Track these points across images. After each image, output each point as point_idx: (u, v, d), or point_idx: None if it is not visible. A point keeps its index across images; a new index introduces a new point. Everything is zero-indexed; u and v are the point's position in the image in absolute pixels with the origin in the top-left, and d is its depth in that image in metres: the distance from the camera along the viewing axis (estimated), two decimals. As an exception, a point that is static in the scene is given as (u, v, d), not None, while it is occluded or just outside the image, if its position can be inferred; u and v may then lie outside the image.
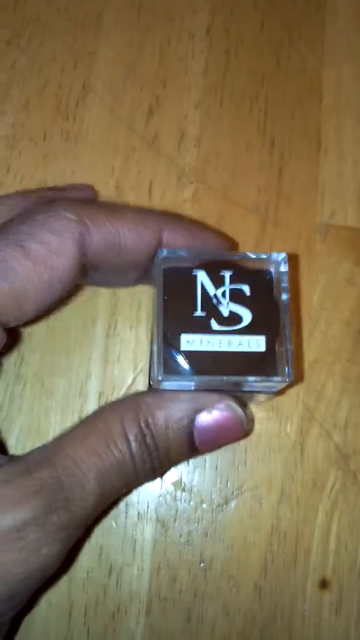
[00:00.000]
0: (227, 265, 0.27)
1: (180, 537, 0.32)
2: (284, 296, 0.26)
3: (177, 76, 0.38)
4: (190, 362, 0.25)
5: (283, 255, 0.27)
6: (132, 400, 0.27)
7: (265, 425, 0.33)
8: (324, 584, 0.32)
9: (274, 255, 0.27)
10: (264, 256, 0.27)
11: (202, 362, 0.25)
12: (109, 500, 0.27)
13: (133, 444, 0.26)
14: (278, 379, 0.26)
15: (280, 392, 0.29)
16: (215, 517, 0.32)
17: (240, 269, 0.27)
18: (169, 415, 0.26)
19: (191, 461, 0.33)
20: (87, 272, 0.31)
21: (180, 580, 0.32)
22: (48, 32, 0.39)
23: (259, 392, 0.28)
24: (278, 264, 0.27)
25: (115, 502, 0.32)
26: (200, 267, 0.27)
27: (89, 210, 0.28)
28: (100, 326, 0.34)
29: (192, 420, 0.26)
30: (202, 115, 0.37)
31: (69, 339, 0.34)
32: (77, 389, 0.33)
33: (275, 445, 0.33)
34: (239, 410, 0.27)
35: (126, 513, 0.32)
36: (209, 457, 0.33)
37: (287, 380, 0.26)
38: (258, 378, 0.26)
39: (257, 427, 0.33)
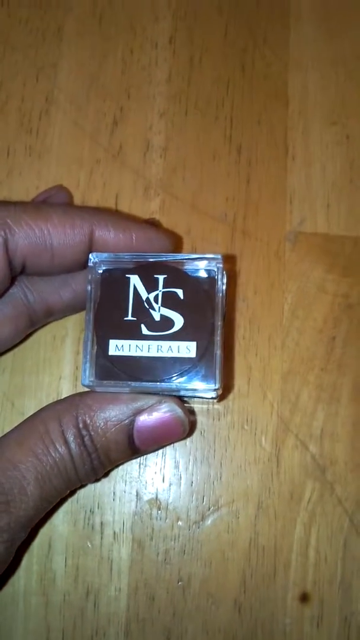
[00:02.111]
0: (162, 269, 0.26)
1: (157, 555, 0.32)
2: (218, 299, 0.26)
3: (141, 86, 0.38)
4: (118, 368, 0.25)
5: (218, 256, 0.26)
6: (71, 401, 0.27)
7: (239, 438, 0.33)
8: (304, 598, 0.31)
9: (210, 257, 0.27)
10: (199, 258, 0.27)
11: (131, 367, 0.25)
12: (53, 501, 0.27)
13: (72, 446, 0.26)
14: (209, 384, 0.25)
15: (222, 396, 0.29)
16: (192, 534, 0.32)
17: (176, 272, 0.26)
18: (108, 416, 0.26)
19: (166, 478, 0.33)
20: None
21: (159, 599, 0.31)
22: (9, 45, 0.38)
23: (196, 397, 0.28)
24: (214, 265, 0.27)
25: (89, 517, 0.32)
26: (134, 270, 0.26)
27: (12, 212, 0.28)
28: (70, 343, 0.34)
29: (131, 422, 0.26)
30: (167, 125, 0.37)
31: (38, 358, 0.34)
32: (48, 409, 0.33)
33: (250, 458, 0.33)
34: (180, 411, 0.27)
35: (102, 533, 0.32)
36: (184, 474, 0.33)
37: (215, 387, 0.25)
38: (188, 384, 0.25)
39: (231, 440, 0.33)
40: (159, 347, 0.25)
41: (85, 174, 0.36)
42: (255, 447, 0.33)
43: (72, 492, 0.32)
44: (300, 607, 0.31)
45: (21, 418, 0.32)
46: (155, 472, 0.33)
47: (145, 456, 0.33)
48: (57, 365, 0.33)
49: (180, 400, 0.27)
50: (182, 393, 0.27)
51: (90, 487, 0.32)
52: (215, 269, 0.27)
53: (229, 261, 0.35)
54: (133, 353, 0.25)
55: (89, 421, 0.26)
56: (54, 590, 0.31)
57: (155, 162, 0.36)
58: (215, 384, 0.25)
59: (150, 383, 0.25)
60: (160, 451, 0.33)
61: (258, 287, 0.34)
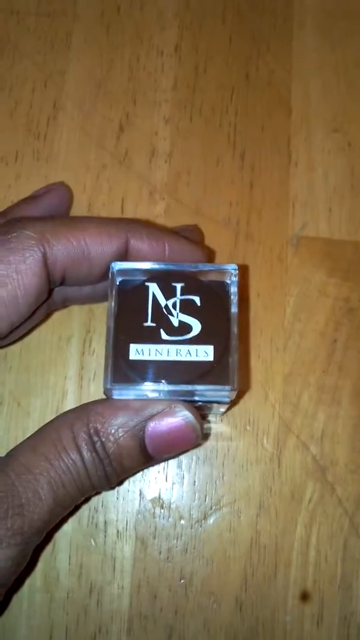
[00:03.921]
0: (179, 277, 0.27)
1: (160, 554, 0.32)
2: (233, 307, 0.27)
3: (147, 93, 0.38)
4: (138, 371, 0.26)
5: (233, 266, 0.27)
6: (83, 409, 0.27)
7: (242, 438, 0.33)
8: (304, 597, 0.32)
9: (225, 267, 0.28)
10: (215, 268, 0.28)
11: (151, 371, 0.26)
12: (67, 507, 0.27)
13: (84, 452, 0.26)
14: (226, 387, 0.26)
15: (234, 402, 0.29)
16: (195, 533, 0.32)
17: (193, 280, 0.27)
18: (119, 423, 0.26)
19: (169, 477, 0.33)
20: (59, 291, 0.31)
21: (161, 597, 0.32)
22: (18, 52, 0.39)
23: (212, 401, 0.28)
24: (229, 275, 0.28)
25: (89, 517, 0.32)
26: (152, 278, 0.27)
27: (49, 226, 0.28)
28: (76, 344, 0.34)
29: (143, 428, 0.27)
30: (172, 131, 0.38)
31: (44, 358, 0.34)
32: (53, 408, 0.33)
33: (252, 458, 0.33)
34: (191, 417, 0.27)
35: (105, 531, 0.32)
36: (186, 473, 0.33)
37: (234, 388, 0.26)
38: (206, 387, 0.26)
39: (233, 440, 0.33)
40: (178, 351, 0.26)
41: (92, 178, 0.37)
42: (257, 447, 0.33)
43: (87, 500, 0.32)
44: (301, 605, 0.32)
45: (27, 417, 0.33)
46: (159, 472, 0.33)
47: (148, 456, 0.33)
48: (63, 365, 0.34)
49: (196, 410, 0.27)
50: (197, 398, 0.27)
51: (94, 486, 0.33)
52: (230, 281, 0.28)
53: (240, 270, 0.35)
54: (153, 357, 0.26)
55: (100, 427, 0.27)
56: (57, 587, 0.32)
57: (160, 168, 0.37)
58: (231, 386, 0.26)
59: (170, 385, 0.26)
60: (163, 451, 0.33)
61: (260, 290, 0.35)
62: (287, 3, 0.40)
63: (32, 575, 0.32)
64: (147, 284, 0.27)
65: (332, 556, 0.32)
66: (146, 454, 0.27)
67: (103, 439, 0.27)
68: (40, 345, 0.34)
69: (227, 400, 0.27)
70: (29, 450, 0.27)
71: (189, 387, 0.26)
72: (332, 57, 0.39)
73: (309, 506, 0.33)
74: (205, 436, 0.33)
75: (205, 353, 0.26)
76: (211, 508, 0.33)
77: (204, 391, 0.26)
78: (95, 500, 0.33)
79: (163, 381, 0.26)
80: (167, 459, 0.31)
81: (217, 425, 0.33)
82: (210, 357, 0.26)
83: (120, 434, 0.26)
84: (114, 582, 0.32)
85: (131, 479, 0.33)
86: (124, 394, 0.27)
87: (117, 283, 0.27)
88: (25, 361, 0.34)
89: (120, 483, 0.32)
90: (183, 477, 0.33)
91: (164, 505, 0.33)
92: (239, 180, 0.37)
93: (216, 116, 0.38)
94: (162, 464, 0.33)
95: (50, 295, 0.31)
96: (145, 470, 0.33)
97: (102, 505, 0.33)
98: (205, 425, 0.33)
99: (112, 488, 0.32)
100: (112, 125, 0.38)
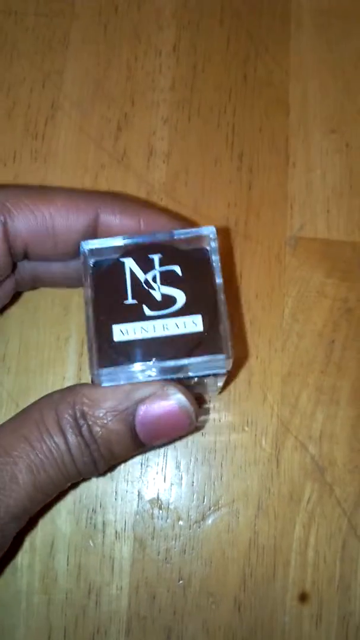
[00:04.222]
0: (155, 248, 0.26)
1: (158, 554, 0.32)
2: (217, 273, 0.25)
3: (145, 92, 0.38)
4: (125, 353, 0.24)
5: (211, 229, 0.26)
6: (70, 390, 0.26)
7: (240, 439, 0.33)
8: (303, 597, 0.32)
9: (202, 230, 0.26)
10: (191, 233, 0.26)
11: (139, 350, 0.24)
12: (50, 493, 0.26)
13: (68, 435, 0.25)
14: (220, 356, 0.25)
15: (230, 376, 0.28)
16: (193, 534, 0.32)
17: (171, 249, 0.26)
18: (108, 406, 0.25)
19: (168, 478, 0.33)
20: (28, 268, 0.30)
21: (159, 598, 0.32)
22: (16, 52, 0.39)
23: (208, 375, 0.26)
24: (208, 239, 0.26)
25: (92, 521, 0.32)
26: (127, 253, 0.26)
27: (12, 195, 0.27)
28: (74, 344, 0.34)
29: (133, 412, 0.25)
30: (170, 131, 0.38)
31: (42, 359, 0.34)
32: (51, 409, 0.33)
33: (250, 459, 0.33)
34: (184, 399, 0.25)
35: (103, 532, 0.32)
36: (185, 474, 0.33)
37: (229, 356, 0.25)
38: (199, 359, 0.25)
39: (232, 441, 0.33)
40: (165, 326, 0.25)
41: (90, 178, 0.37)
42: (256, 448, 0.33)
43: (74, 486, 0.32)
44: (299, 606, 0.32)
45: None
46: (157, 472, 0.33)
47: (146, 456, 0.33)
48: (61, 365, 0.34)
49: (188, 390, 0.26)
50: (192, 373, 0.26)
51: (93, 487, 0.33)
52: (210, 246, 0.26)
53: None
54: (139, 336, 0.25)
55: (87, 410, 0.25)
56: (56, 588, 0.32)
57: (158, 167, 0.37)
58: (226, 353, 0.25)
59: (161, 363, 0.24)
60: (161, 451, 0.33)
61: (259, 290, 0.35)
62: (285, 4, 0.40)
63: (30, 576, 0.32)
64: (122, 259, 0.26)
65: (330, 557, 0.32)
66: (137, 440, 0.26)
67: (90, 422, 0.25)
68: (39, 346, 0.34)
69: (223, 371, 0.26)
70: (9, 432, 0.25)
71: (182, 362, 0.24)
72: (330, 58, 0.39)
73: (308, 507, 0.33)
74: (201, 424, 0.33)
75: (193, 324, 0.25)
76: (209, 509, 0.33)
77: (197, 364, 0.25)
78: (93, 501, 0.33)
79: (153, 359, 0.24)
80: (160, 445, 0.29)
81: (215, 424, 0.33)
82: (200, 327, 0.25)
83: (108, 418, 0.25)
84: (112, 582, 0.32)
85: (129, 480, 0.33)
86: (114, 379, 0.25)
87: (91, 264, 0.26)
88: (23, 362, 0.34)
89: (110, 469, 0.32)
90: (181, 478, 0.33)
91: (163, 506, 0.33)
92: (237, 181, 0.37)
93: (214, 116, 0.38)
94: (161, 465, 0.33)
95: (14, 270, 0.29)
96: (143, 471, 0.33)
97: (100, 506, 0.33)
98: (202, 417, 0.33)
99: (101, 474, 0.30)
100: (110, 125, 0.38)
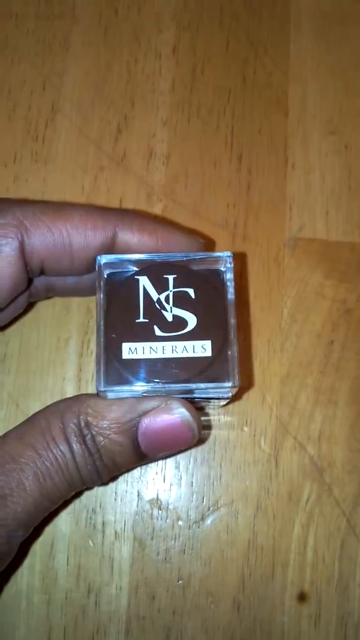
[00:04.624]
0: (171, 269, 0.26)
1: (158, 554, 0.32)
2: (230, 297, 0.26)
3: (145, 95, 0.39)
4: (132, 372, 0.25)
5: (228, 254, 0.26)
6: (76, 400, 0.26)
7: (239, 439, 0.33)
8: (302, 597, 0.32)
9: (219, 255, 0.26)
10: (207, 256, 0.26)
11: (145, 370, 0.25)
12: (55, 500, 0.26)
13: (73, 444, 0.25)
14: (227, 384, 0.25)
15: (236, 396, 0.28)
16: (192, 534, 0.33)
17: (186, 271, 0.26)
18: (112, 417, 0.25)
19: (167, 478, 0.33)
20: (42, 280, 0.30)
21: (159, 598, 0.32)
22: (17, 55, 0.39)
23: (212, 398, 0.27)
24: (223, 263, 0.26)
25: (91, 520, 0.32)
26: (142, 271, 0.26)
27: (30, 213, 0.27)
28: (74, 345, 0.34)
29: (136, 424, 0.25)
30: (170, 133, 0.38)
31: (43, 360, 0.34)
32: (51, 410, 0.33)
33: (249, 459, 0.33)
34: (187, 414, 0.25)
35: (103, 532, 0.33)
36: (184, 474, 0.33)
37: (235, 385, 0.25)
38: (205, 384, 0.25)
39: (231, 441, 0.33)
40: (174, 348, 0.25)
41: (90, 180, 0.37)
42: (255, 448, 0.33)
43: (77, 495, 0.32)
44: (298, 606, 0.32)
45: (25, 419, 0.33)
46: (156, 473, 0.33)
47: (146, 457, 0.33)
48: (61, 366, 0.34)
49: (192, 405, 0.26)
50: (196, 395, 0.26)
51: (92, 488, 0.33)
52: (224, 268, 0.26)
53: (237, 259, 0.35)
54: (147, 355, 0.25)
55: (91, 420, 0.25)
56: (56, 588, 0.32)
57: (158, 169, 0.37)
58: (232, 382, 0.25)
59: (167, 385, 0.25)
60: (161, 452, 0.33)
61: (258, 291, 0.35)
62: (284, 6, 0.40)
63: (30, 576, 0.32)
64: (137, 277, 0.26)
65: (329, 557, 0.32)
66: (139, 452, 0.26)
67: (93, 433, 0.25)
68: (39, 347, 0.34)
69: (228, 396, 0.26)
70: (16, 439, 0.26)
71: (187, 386, 0.25)
72: (329, 60, 0.39)
73: (306, 507, 0.33)
74: (204, 437, 0.33)
75: (202, 348, 0.25)
76: (209, 509, 0.33)
77: (203, 389, 0.25)
78: (93, 502, 0.33)
79: (159, 381, 0.25)
80: (162, 458, 0.29)
81: (215, 424, 0.34)
82: (209, 353, 0.25)
83: (112, 429, 0.25)
84: (112, 582, 0.32)
85: (129, 480, 0.33)
86: (119, 395, 0.26)
87: (105, 277, 0.26)
88: (24, 363, 0.34)
89: (114, 479, 0.32)
90: (181, 478, 0.33)
91: (162, 506, 0.33)
92: (236, 182, 0.37)
93: (214, 118, 0.38)
94: (160, 465, 0.33)
95: (30, 285, 0.30)
96: (143, 472, 0.33)
97: (100, 507, 0.33)
98: (205, 424, 0.33)
99: (105, 484, 0.30)
100: (110, 127, 0.38)
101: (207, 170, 0.37)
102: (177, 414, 0.25)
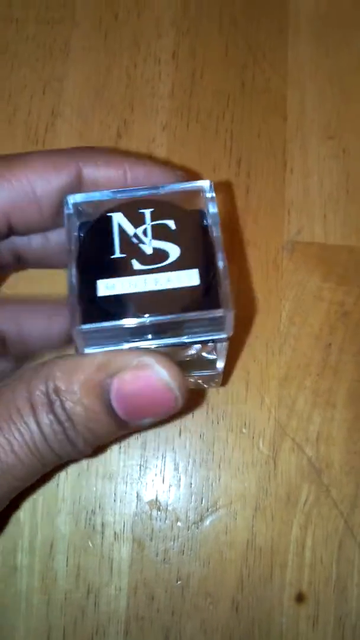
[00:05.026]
0: (147, 203, 0.24)
1: (157, 555, 0.33)
2: (215, 228, 0.23)
3: (144, 99, 0.39)
4: (112, 309, 0.22)
5: (207, 182, 0.24)
6: (44, 365, 0.23)
7: (238, 441, 0.34)
8: (300, 598, 0.32)
9: (197, 184, 0.24)
10: (184, 186, 0.24)
11: (127, 305, 0.22)
12: (23, 476, 0.24)
13: (39, 412, 0.23)
14: (220, 311, 0.22)
15: (231, 358, 0.27)
16: (191, 535, 0.33)
17: (164, 204, 0.24)
18: (82, 380, 0.22)
19: (166, 480, 0.33)
20: (8, 247, 0.28)
21: (158, 599, 0.32)
22: (17, 60, 0.39)
23: (207, 340, 0.24)
24: (204, 192, 0.24)
25: (91, 521, 0.33)
26: (115, 208, 0.24)
27: None
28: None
29: (107, 386, 0.22)
30: (169, 137, 0.38)
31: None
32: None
33: (248, 461, 0.33)
34: (163, 372, 0.22)
35: (102, 533, 0.33)
36: (183, 476, 0.33)
37: (229, 308, 0.22)
38: (196, 314, 0.22)
39: (229, 443, 0.34)
40: (156, 280, 0.22)
41: (90, 184, 0.37)
42: (253, 450, 0.34)
43: (58, 469, 0.32)
44: (296, 606, 0.32)
45: None
46: (156, 474, 0.33)
47: (145, 458, 0.34)
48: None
49: (174, 364, 0.23)
50: (187, 338, 0.23)
51: (92, 489, 0.33)
52: (207, 194, 0.24)
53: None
54: (126, 290, 0.22)
55: (60, 385, 0.22)
56: (55, 589, 0.32)
57: (157, 173, 0.37)
58: (226, 307, 0.22)
59: (154, 318, 0.22)
60: (160, 454, 0.34)
61: (256, 294, 0.35)
62: (283, 12, 0.40)
63: (29, 577, 0.32)
64: (109, 214, 0.23)
65: (327, 558, 0.32)
66: (116, 418, 0.23)
67: (63, 398, 0.22)
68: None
69: (224, 335, 0.23)
70: None
71: (177, 317, 0.22)
72: (327, 65, 0.39)
73: (305, 508, 0.33)
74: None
75: (189, 278, 0.22)
76: (207, 510, 0.33)
77: (194, 322, 0.22)
78: (92, 503, 0.33)
79: (144, 314, 0.22)
80: (149, 425, 0.25)
81: (212, 420, 0.34)
82: (196, 281, 0.22)
83: (82, 393, 0.22)
84: (111, 583, 0.32)
85: (128, 481, 0.33)
86: (99, 341, 0.22)
87: (76, 220, 0.24)
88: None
89: (101, 449, 0.31)
90: (180, 480, 0.33)
91: (161, 507, 0.33)
92: (235, 186, 0.37)
93: (213, 123, 0.39)
94: (159, 466, 0.33)
95: None
96: (142, 473, 0.33)
97: (99, 508, 0.33)
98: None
99: (89, 455, 0.27)
100: (110, 132, 0.38)
101: (206, 174, 0.38)
102: (150, 372, 0.22)
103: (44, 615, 0.32)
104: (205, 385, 0.33)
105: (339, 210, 0.37)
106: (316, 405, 0.34)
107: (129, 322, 0.22)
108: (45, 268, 0.31)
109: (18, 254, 0.29)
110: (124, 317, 0.22)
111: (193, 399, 0.34)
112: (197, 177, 0.37)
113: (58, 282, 0.34)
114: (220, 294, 0.22)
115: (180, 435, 0.34)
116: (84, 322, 0.21)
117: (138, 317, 0.22)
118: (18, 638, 0.32)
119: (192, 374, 0.29)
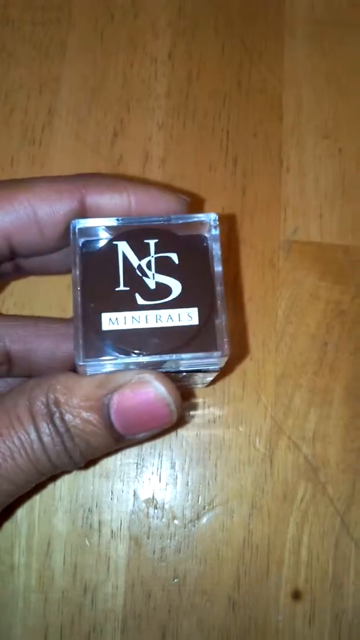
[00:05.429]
0: (151, 233, 0.24)
1: (154, 553, 0.33)
2: (216, 263, 0.24)
3: (141, 99, 0.39)
4: (114, 344, 0.23)
5: (214, 216, 0.24)
6: (46, 378, 0.24)
7: (234, 440, 0.34)
8: (296, 595, 0.32)
9: (202, 217, 0.24)
10: (191, 219, 0.25)
11: (128, 341, 0.23)
12: (21, 484, 0.25)
13: (39, 422, 0.23)
14: (215, 354, 0.23)
15: (223, 372, 0.27)
16: (188, 533, 0.33)
17: (168, 235, 0.24)
18: (83, 394, 0.23)
19: (163, 478, 0.33)
20: (13, 258, 0.29)
21: (155, 596, 0.32)
22: (14, 60, 0.40)
23: (201, 371, 0.25)
24: (208, 227, 0.24)
25: (88, 521, 0.33)
26: (120, 236, 0.24)
27: None
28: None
29: (108, 400, 0.23)
30: (165, 137, 0.38)
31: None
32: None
33: (245, 459, 0.34)
34: (162, 388, 0.23)
35: (99, 531, 0.33)
36: (180, 474, 0.33)
37: (224, 354, 0.23)
38: (192, 355, 0.23)
39: (226, 441, 0.34)
40: (158, 317, 0.23)
41: (86, 183, 0.37)
42: (250, 448, 0.34)
43: (53, 478, 0.32)
44: (293, 604, 0.32)
45: None
46: (152, 473, 0.34)
47: (142, 457, 0.34)
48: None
49: (171, 378, 0.24)
50: (183, 368, 0.24)
51: (89, 487, 0.33)
52: (209, 234, 0.25)
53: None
54: (130, 326, 0.23)
55: (60, 398, 0.23)
56: (52, 587, 0.32)
57: (154, 173, 0.38)
58: (221, 351, 0.23)
59: (152, 357, 0.23)
60: (157, 452, 0.34)
61: (253, 293, 0.36)
62: (279, 12, 0.41)
63: (27, 575, 0.32)
64: (115, 242, 0.24)
65: (323, 555, 0.33)
66: (114, 432, 0.24)
67: (62, 411, 0.23)
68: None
69: (217, 368, 0.25)
70: None
71: (174, 357, 0.23)
72: (323, 65, 0.40)
73: (301, 506, 0.33)
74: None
75: (189, 317, 0.23)
76: (204, 508, 0.33)
77: (190, 360, 0.23)
78: (89, 501, 0.33)
79: (143, 352, 0.23)
80: (143, 439, 0.26)
81: (209, 418, 0.34)
82: (195, 321, 0.23)
83: (82, 407, 0.23)
84: (108, 581, 0.32)
85: (125, 479, 0.33)
86: (99, 370, 0.24)
87: (80, 245, 0.24)
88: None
89: (92, 463, 0.32)
90: (176, 478, 0.33)
91: (158, 505, 0.33)
92: (231, 186, 0.38)
93: (209, 122, 0.39)
94: (156, 465, 0.34)
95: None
96: (139, 472, 0.33)
97: (96, 506, 0.33)
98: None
99: (82, 468, 0.28)
100: (107, 131, 0.38)
101: (202, 174, 0.38)
102: (149, 388, 0.23)
103: (41, 613, 0.32)
104: (192, 385, 0.33)
105: (335, 209, 0.37)
106: (312, 403, 0.34)
107: (129, 360, 0.23)
108: (44, 275, 0.32)
109: (17, 265, 0.30)
110: (124, 354, 0.23)
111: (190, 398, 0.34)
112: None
113: (56, 287, 0.34)
114: (216, 334, 0.23)
115: (177, 433, 0.34)
116: (87, 356, 0.23)
117: (138, 355, 0.23)
118: (15, 636, 0.32)
119: (183, 384, 0.30)
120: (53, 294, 0.35)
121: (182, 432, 0.34)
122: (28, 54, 0.40)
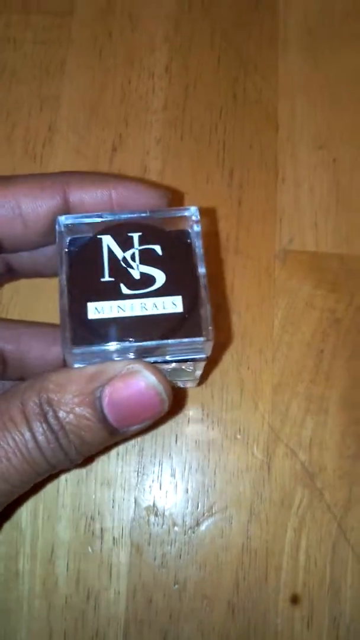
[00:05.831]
0: (135, 227, 0.25)
1: (155, 560, 0.33)
2: (199, 253, 0.25)
3: (139, 114, 0.40)
4: (100, 332, 0.23)
5: (194, 209, 0.25)
6: (37, 377, 0.25)
7: (232, 447, 0.34)
8: (295, 599, 0.33)
9: (184, 211, 0.25)
10: (172, 213, 0.25)
11: (114, 329, 0.23)
12: (18, 485, 0.25)
13: (33, 422, 0.24)
14: (200, 339, 0.24)
15: (210, 366, 0.28)
16: (188, 539, 0.34)
17: (151, 228, 0.25)
18: (74, 390, 0.24)
19: (163, 486, 0.34)
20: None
21: (156, 602, 0.33)
22: (15, 78, 0.41)
23: (187, 359, 0.25)
24: (190, 219, 0.25)
25: (90, 528, 0.34)
26: (104, 231, 0.25)
27: None
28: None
29: (99, 393, 0.24)
30: (163, 150, 0.39)
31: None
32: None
33: (243, 466, 0.34)
34: (152, 377, 0.24)
35: (102, 538, 0.34)
36: (180, 481, 0.34)
37: (208, 338, 0.24)
38: (178, 341, 0.24)
39: (224, 449, 0.34)
40: (143, 306, 0.24)
41: (86, 198, 0.38)
42: (248, 455, 0.34)
43: (50, 478, 0.33)
44: (291, 608, 0.33)
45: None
46: (153, 480, 0.34)
47: (142, 465, 0.34)
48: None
49: (160, 370, 0.24)
50: (170, 357, 0.25)
51: (91, 495, 0.34)
52: (191, 228, 0.26)
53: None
54: (115, 314, 0.24)
55: (53, 396, 0.24)
56: (56, 593, 0.33)
57: (151, 186, 0.38)
58: (206, 336, 0.24)
59: (138, 343, 0.23)
60: (157, 460, 0.34)
61: (249, 302, 0.36)
62: (273, 25, 0.41)
63: (31, 582, 0.33)
64: (99, 236, 0.25)
65: (321, 560, 0.33)
66: (108, 425, 0.24)
67: (55, 408, 0.24)
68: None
69: (203, 356, 0.25)
70: None
71: (160, 343, 0.24)
72: (317, 76, 0.40)
73: (299, 512, 0.34)
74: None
75: (173, 304, 0.24)
76: (203, 515, 0.34)
77: (176, 347, 0.24)
78: (92, 509, 0.34)
79: (130, 339, 0.23)
80: (136, 432, 0.26)
81: (207, 426, 0.35)
82: (180, 309, 0.24)
83: (75, 402, 0.24)
84: (110, 587, 0.33)
85: (126, 487, 0.34)
86: (87, 359, 0.24)
87: (67, 240, 0.25)
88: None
89: (90, 460, 0.32)
90: (176, 485, 0.34)
91: (158, 512, 0.34)
92: (228, 197, 0.38)
93: (205, 134, 0.39)
94: (156, 473, 0.34)
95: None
96: (140, 480, 0.34)
97: (98, 514, 0.34)
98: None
99: (79, 465, 0.28)
100: (106, 146, 0.39)
101: (199, 186, 0.38)
102: (140, 378, 0.24)
103: (45, 619, 0.33)
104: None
105: (330, 218, 0.38)
106: (309, 411, 0.35)
107: (116, 346, 0.23)
108: (36, 277, 0.33)
109: (9, 266, 0.31)
110: (111, 340, 0.23)
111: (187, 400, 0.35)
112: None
113: (48, 290, 0.35)
114: (201, 321, 0.24)
115: (176, 441, 0.35)
116: (75, 344, 0.23)
117: (124, 341, 0.23)
118: (21, 641, 0.33)
119: (173, 380, 0.30)
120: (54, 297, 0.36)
121: (181, 440, 0.35)
122: (29, 73, 0.41)
